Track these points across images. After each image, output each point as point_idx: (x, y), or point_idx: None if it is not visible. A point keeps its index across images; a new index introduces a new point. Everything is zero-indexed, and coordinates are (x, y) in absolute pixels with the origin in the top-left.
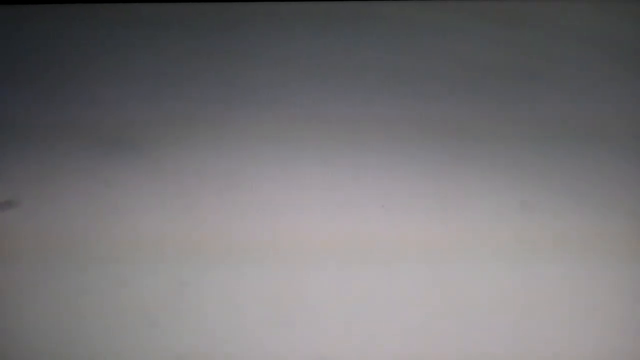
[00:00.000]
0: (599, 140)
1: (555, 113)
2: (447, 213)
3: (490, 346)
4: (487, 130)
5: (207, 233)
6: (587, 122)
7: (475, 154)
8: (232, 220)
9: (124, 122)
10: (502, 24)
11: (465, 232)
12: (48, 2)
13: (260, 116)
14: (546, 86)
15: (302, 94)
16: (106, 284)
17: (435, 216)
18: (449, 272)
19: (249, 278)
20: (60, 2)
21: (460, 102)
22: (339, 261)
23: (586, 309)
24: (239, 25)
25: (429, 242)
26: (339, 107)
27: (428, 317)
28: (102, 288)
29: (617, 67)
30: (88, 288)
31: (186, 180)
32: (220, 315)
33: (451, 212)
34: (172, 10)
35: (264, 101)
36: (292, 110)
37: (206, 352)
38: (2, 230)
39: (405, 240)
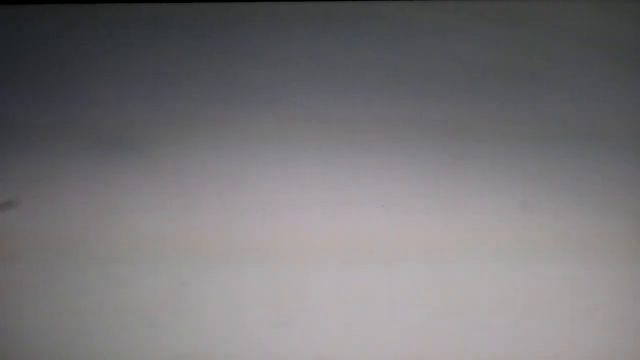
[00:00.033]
0: (599, 140)
1: (555, 113)
2: (447, 213)
3: (490, 346)
4: (487, 130)
5: (207, 233)
6: (587, 122)
7: (475, 154)
8: (232, 220)
9: (124, 122)
10: (502, 24)
11: (465, 232)
12: (48, 2)
13: (260, 116)
14: (546, 86)
15: (302, 94)
16: (106, 284)
17: (435, 216)
18: (449, 272)
19: (249, 278)
20: (60, 2)
21: (460, 102)
22: (339, 261)
23: (586, 309)
24: (239, 25)
25: (429, 242)
26: (339, 107)
27: (428, 317)
28: (102, 288)
29: (617, 67)
30: (88, 288)
31: (186, 180)
32: (220, 315)
33: (451, 212)
34: (172, 10)
35: (264, 101)
36: (292, 110)
37: (206, 352)
38: (2, 230)
39: (405, 240)
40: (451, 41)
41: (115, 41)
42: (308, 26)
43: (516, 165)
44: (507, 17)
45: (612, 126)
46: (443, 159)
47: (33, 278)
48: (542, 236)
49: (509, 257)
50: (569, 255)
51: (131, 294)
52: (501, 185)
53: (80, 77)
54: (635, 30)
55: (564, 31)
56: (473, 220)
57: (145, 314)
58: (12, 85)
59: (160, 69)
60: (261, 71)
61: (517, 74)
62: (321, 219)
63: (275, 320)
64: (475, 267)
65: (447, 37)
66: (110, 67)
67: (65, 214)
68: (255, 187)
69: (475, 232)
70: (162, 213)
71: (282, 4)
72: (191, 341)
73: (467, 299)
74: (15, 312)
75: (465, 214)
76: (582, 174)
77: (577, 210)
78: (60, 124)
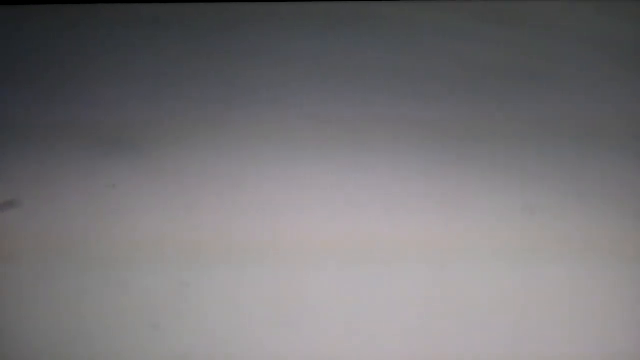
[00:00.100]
0: (599, 140)
1: (555, 113)
2: (447, 213)
3: (490, 346)
4: (487, 130)
5: (207, 233)
6: (587, 122)
7: (475, 153)
8: (232, 221)
9: (124, 122)
10: (502, 24)
11: (465, 232)
12: (48, 2)
13: (260, 116)
14: (546, 86)
15: (302, 94)
16: (106, 284)
17: (435, 216)
18: (449, 272)
19: (249, 278)
20: (60, 2)
21: (460, 102)
22: (339, 261)
23: (586, 309)
24: (239, 25)
25: (429, 242)
26: (339, 107)
27: (428, 317)
28: (102, 288)
29: (617, 67)
30: (88, 288)
31: (186, 180)
32: (221, 315)
33: (451, 212)
34: (172, 10)
35: (264, 101)
36: (292, 110)
37: (206, 353)
38: (2, 230)
39: (405, 240)
40: (451, 41)
41: (115, 41)
42: (308, 26)
43: (516, 165)
44: (507, 17)
45: (612, 126)
46: (443, 159)
47: (33, 278)
48: (542, 236)
49: (509, 257)
50: (569, 255)
51: (131, 294)
52: (501, 185)
53: (80, 77)
54: (635, 30)
55: (564, 31)
56: (473, 220)
57: (145, 314)
58: (12, 85)
59: (160, 69)
60: (261, 71)
61: (517, 74)
62: (321, 219)
63: (275, 320)
64: (475, 267)
65: (447, 37)
66: (110, 67)
67: (65, 214)
68: (255, 187)
69: (476, 232)
70: (162, 213)
71: (282, 4)
72: (191, 341)
73: (467, 299)
74: (15, 312)
75: (465, 214)
76: (582, 173)
77: (577, 210)
78: (60, 124)
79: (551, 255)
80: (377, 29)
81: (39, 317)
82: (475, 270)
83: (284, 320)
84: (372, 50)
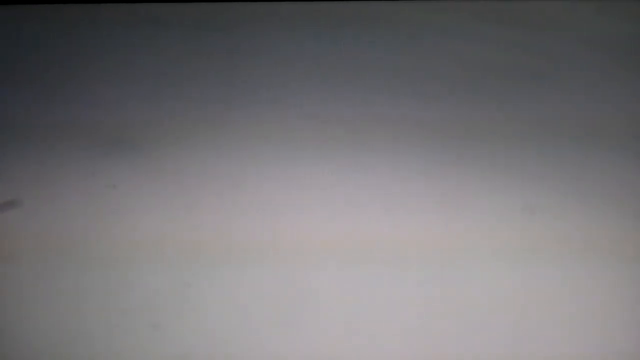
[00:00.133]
0: (599, 140)
1: (555, 113)
2: (447, 213)
3: (490, 346)
4: (487, 130)
5: (207, 233)
6: (587, 122)
7: (475, 153)
8: (232, 221)
9: (124, 122)
10: (502, 24)
11: (465, 232)
12: (48, 2)
13: (260, 116)
14: (546, 86)
15: (302, 94)
16: (106, 284)
17: (436, 216)
18: (449, 272)
19: (250, 278)
20: (60, 2)
21: (460, 102)
22: (339, 261)
23: (586, 309)
24: (239, 25)
25: (429, 242)
26: (339, 107)
27: (428, 317)
28: (103, 288)
29: (617, 67)
30: (88, 288)
31: (186, 180)
32: (221, 315)
33: (451, 212)
34: (172, 10)
35: (264, 101)
36: (292, 110)
37: (207, 353)
38: (3, 230)
39: (405, 240)
40: (451, 41)
41: (115, 41)
42: (308, 26)
43: (516, 165)
44: (507, 17)
45: (612, 126)
46: (443, 159)
47: (33, 278)
48: (542, 236)
49: (509, 257)
50: (569, 255)
51: (131, 294)
52: (501, 185)
53: (80, 77)
54: (635, 30)
55: (564, 31)
56: (473, 220)
57: (145, 314)
58: (12, 85)
59: (160, 69)
60: (261, 71)
61: (517, 74)
62: (321, 219)
63: (275, 320)
64: (475, 267)
65: (447, 37)
66: (110, 67)
67: (66, 214)
68: (255, 187)
69: (476, 232)
70: (162, 213)
71: (282, 4)
72: (191, 341)
73: (467, 299)
74: (15, 312)
75: (466, 214)
76: (582, 173)
77: (577, 210)
78: (60, 124)
79: (551, 255)
80: (377, 29)
81: (39, 317)
82: (475, 270)
83: (284, 320)
84: (372, 50)
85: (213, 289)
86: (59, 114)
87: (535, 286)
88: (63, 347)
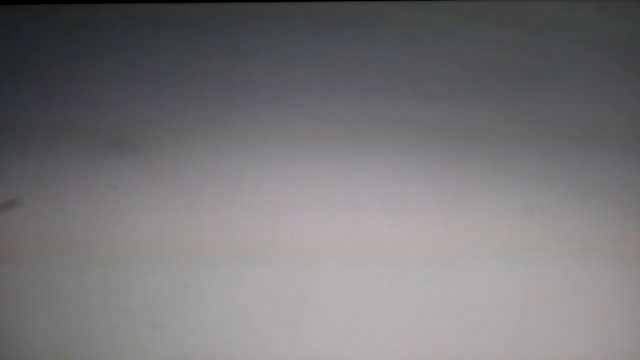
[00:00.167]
0: (599, 140)
1: (555, 113)
2: (447, 213)
3: (490, 346)
4: (487, 130)
5: (207, 233)
6: (587, 122)
7: (475, 153)
8: (232, 221)
9: (124, 122)
10: (502, 24)
11: (465, 232)
12: (48, 2)
13: (260, 116)
14: (546, 86)
15: (302, 94)
16: (107, 284)
17: (436, 216)
18: (449, 272)
19: (249, 278)
20: (60, 2)
21: (460, 102)
22: (339, 261)
23: (586, 309)
24: (239, 25)
25: (429, 242)
26: (339, 107)
27: (428, 317)
28: (103, 288)
29: (617, 67)
30: (88, 288)
31: (186, 180)
32: (221, 315)
33: (451, 212)
34: (172, 10)
35: (264, 101)
36: (292, 110)
37: (207, 352)
38: (3, 230)
39: (405, 241)
40: (451, 41)
41: (115, 41)
42: (308, 26)
43: (516, 165)
44: (507, 17)
45: (612, 126)
46: (443, 159)
47: (33, 278)
48: (542, 236)
49: (509, 257)
50: (569, 255)
51: (131, 294)
52: (501, 185)
53: (80, 77)
54: (635, 30)
55: (564, 31)
56: (473, 220)
57: (145, 314)
58: (12, 85)
59: (160, 69)
60: (261, 71)
61: (517, 74)
62: (321, 219)
63: (275, 320)
64: (475, 267)
65: (447, 37)
66: (110, 67)
67: (66, 214)
68: (255, 187)
69: (476, 232)
70: (162, 213)
71: (282, 4)
72: (191, 341)
73: (467, 299)
74: (15, 312)
75: (466, 214)
76: (582, 174)
77: (577, 210)
78: (60, 124)
79: (551, 255)
80: (377, 29)
81: (39, 317)
82: (475, 270)
83: (284, 320)
84: (372, 50)
85: (213, 289)
86: (59, 114)
87: (535, 286)
88: (63, 347)
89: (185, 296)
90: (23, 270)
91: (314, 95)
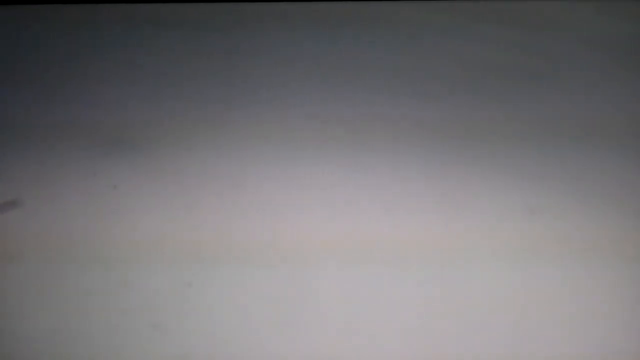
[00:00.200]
0: (599, 140)
1: (555, 113)
2: (448, 213)
3: (490, 346)
4: (487, 130)
5: (207, 233)
6: (587, 122)
7: (475, 153)
8: (232, 221)
9: (124, 122)
10: (502, 24)
11: (465, 232)
12: (48, 2)
13: (260, 116)
14: (546, 86)
15: (302, 94)
16: (107, 284)
17: (436, 216)
18: (449, 272)
19: (250, 278)
20: (60, 2)
21: (460, 102)
22: (339, 261)
23: (586, 309)
24: (239, 25)
25: (430, 243)
26: (339, 107)
27: (428, 317)
28: (103, 288)
29: (617, 67)
30: (89, 288)
31: (186, 180)
32: (221, 315)
33: (451, 212)
34: (172, 10)
35: (264, 101)
36: (292, 110)
37: (207, 353)
38: (3, 230)
39: (405, 241)
40: (451, 41)
41: (115, 41)
42: (308, 26)
43: (516, 165)
44: (507, 17)
45: (612, 126)
46: (443, 159)
47: (34, 278)
48: (542, 236)
49: (509, 257)
50: (569, 255)
51: (132, 294)
52: (501, 186)
53: (80, 77)
54: (635, 30)
55: (564, 31)
56: (473, 220)
57: (146, 314)
58: (12, 85)
59: (160, 69)
60: (261, 71)
61: (517, 74)
62: (321, 219)
63: (275, 320)
64: (475, 267)
65: (447, 37)
66: (110, 67)
67: (66, 214)
68: (255, 187)
69: (476, 232)
70: (162, 213)
71: (282, 4)
72: (192, 341)
73: (467, 299)
74: (16, 312)
75: (466, 214)
76: (582, 173)
77: (577, 210)
78: (60, 124)
79: (551, 255)
80: (377, 29)
81: (40, 317)
82: (475, 270)
83: (284, 320)
84: (372, 50)
85: (213, 289)
86: (59, 114)
87: (535, 286)
88: (63, 347)
89: (185, 296)
90: (23, 270)
91: (314, 95)
